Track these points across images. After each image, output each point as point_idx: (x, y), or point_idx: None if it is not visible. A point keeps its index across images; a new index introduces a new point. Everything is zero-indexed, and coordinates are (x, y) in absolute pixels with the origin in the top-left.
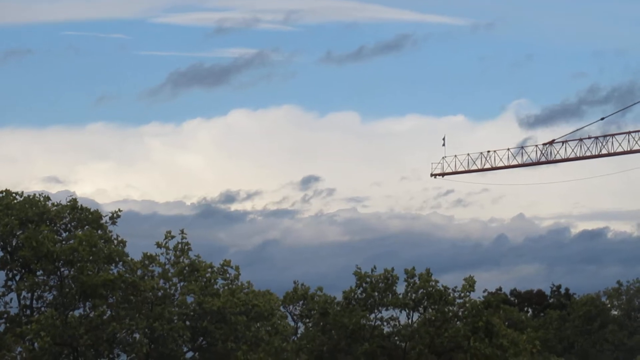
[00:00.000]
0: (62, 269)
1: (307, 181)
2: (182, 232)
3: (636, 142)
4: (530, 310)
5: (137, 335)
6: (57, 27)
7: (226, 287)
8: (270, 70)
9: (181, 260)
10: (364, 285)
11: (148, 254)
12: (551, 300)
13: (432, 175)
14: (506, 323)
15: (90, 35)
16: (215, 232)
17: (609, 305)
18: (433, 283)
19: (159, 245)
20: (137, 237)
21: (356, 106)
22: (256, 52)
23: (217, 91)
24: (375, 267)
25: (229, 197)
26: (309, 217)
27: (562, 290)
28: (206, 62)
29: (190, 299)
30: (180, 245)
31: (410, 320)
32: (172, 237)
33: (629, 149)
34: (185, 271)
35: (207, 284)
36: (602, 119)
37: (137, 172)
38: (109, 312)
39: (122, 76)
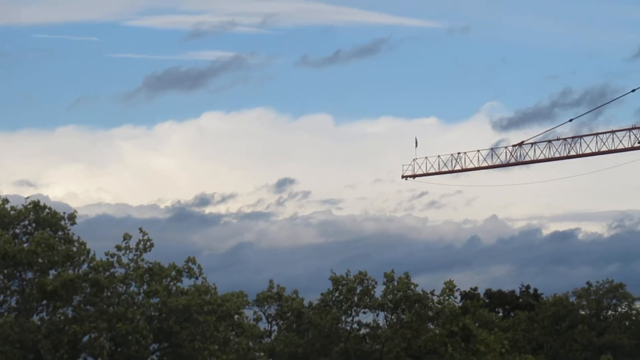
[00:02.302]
0: (22, 273)
1: (282, 184)
2: (141, 230)
3: (604, 144)
4: (500, 311)
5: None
6: (30, 29)
7: (192, 287)
8: (247, 74)
9: (142, 261)
10: (340, 288)
11: (110, 252)
12: (520, 301)
13: (403, 177)
14: (477, 324)
15: (63, 38)
16: (189, 235)
17: (577, 306)
18: (412, 286)
19: (119, 248)
20: (111, 240)
21: (329, 109)
22: (233, 56)
23: (193, 95)
24: (349, 271)
25: (204, 200)
26: (284, 220)
27: (531, 291)
28: (183, 66)
29: (154, 300)
30: (142, 243)
31: (387, 323)
32: (130, 237)
33: (597, 150)
34: (146, 276)
35: (170, 285)
36: (571, 120)
37: (108, 175)
38: (70, 314)
39: (97, 79)
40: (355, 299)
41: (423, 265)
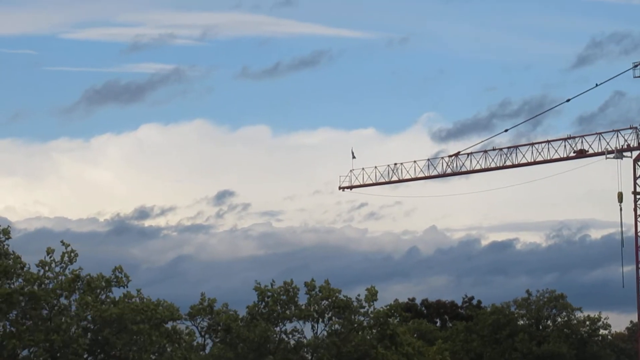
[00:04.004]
0: None
1: (222, 196)
2: (62, 242)
3: (539, 153)
4: (439, 321)
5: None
6: None
7: (123, 296)
8: (186, 87)
9: (67, 272)
10: (266, 299)
11: (41, 263)
12: (462, 312)
13: (340, 188)
14: (415, 335)
15: None
16: (128, 249)
17: (516, 315)
18: (337, 294)
19: (44, 264)
20: (50, 254)
21: (268, 120)
22: (173, 68)
23: (132, 108)
24: (274, 281)
25: (143, 213)
26: (224, 232)
27: (475, 302)
28: (122, 79)
29: (87, 312)
30: (66, 255)
31: (315, 332)
32: (53, 250)
33: (533, 160)
34: (77, 286)
35: (100, 295)
36: (506, 130)
37: (46, 189)
38: (8, 329)
39: (36, 93)
40: (280, 309)
41: (361, 277)
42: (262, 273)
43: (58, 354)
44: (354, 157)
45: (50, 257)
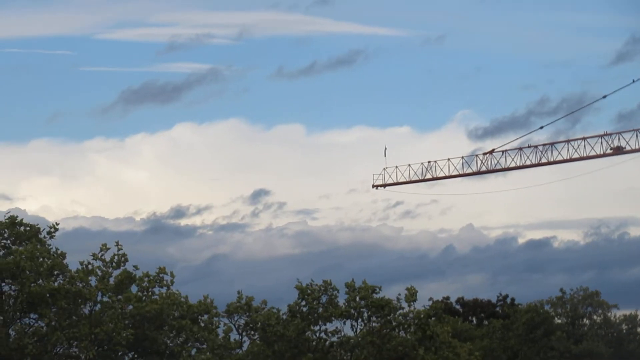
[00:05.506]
0: (1, 284)
1: (257, 195)
2: (117, 243)
3: (575, 151)
4: (474, 319)
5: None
6: (2, 44)
7: (163, 294)
8: (222, 86)
9: (115, 273)
10: (306, 297)
11: (85, 262)
12: (498, 310)
13: (373, 186)
14: (450, 334)
15: (36, 52)
16: (164, 247)
17: (552, 314)
18: (378, 291)
19: (95, 257)
20: (88, 253)
21: (302, 119)
22: (209, 68)
23: (168, 108)
24: (312, 281)
25: (179, 212)
26: (259, 231)
27: (508, 300)
28: (159, 79)
29: (129, 307)
30: (116, 257)
31: (355, 331)
32: (108, 248)
33: (569, 157)
34: (122, 282)
35: (143, 293)
36: (542, 127)
37: (82, 188)
38: (52, 323)
39: (73, 93)
40: (320, 309)
41: (396, 275)
42: (298, 272)
43: (105, 346)
44: (385, 155)
45: (102, 255)
